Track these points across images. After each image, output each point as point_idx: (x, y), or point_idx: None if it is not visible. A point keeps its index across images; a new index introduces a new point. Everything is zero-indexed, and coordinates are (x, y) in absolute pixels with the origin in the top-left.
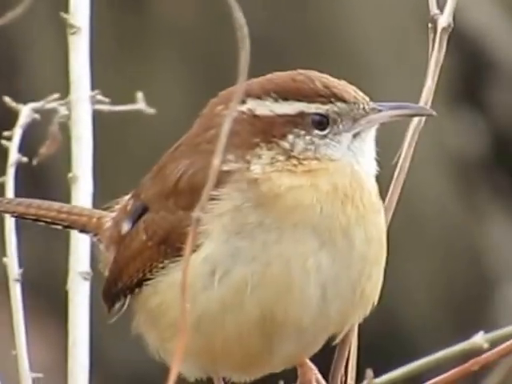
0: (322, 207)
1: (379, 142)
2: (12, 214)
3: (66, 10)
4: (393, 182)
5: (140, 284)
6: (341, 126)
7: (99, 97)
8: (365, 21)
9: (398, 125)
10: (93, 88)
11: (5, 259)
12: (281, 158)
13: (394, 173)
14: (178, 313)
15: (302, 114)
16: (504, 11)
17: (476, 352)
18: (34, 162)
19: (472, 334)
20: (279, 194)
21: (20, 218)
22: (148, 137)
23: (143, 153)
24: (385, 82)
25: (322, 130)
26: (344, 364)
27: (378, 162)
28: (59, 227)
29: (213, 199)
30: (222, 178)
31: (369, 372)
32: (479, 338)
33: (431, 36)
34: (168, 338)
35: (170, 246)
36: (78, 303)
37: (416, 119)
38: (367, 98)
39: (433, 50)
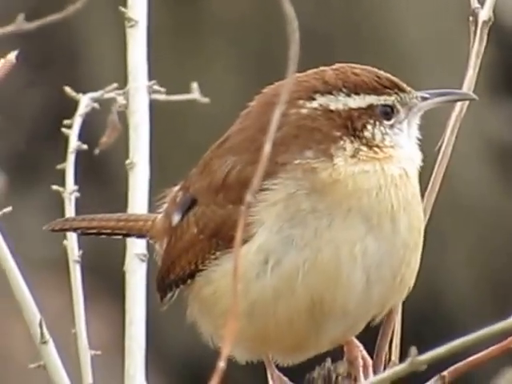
0: (379, 192)
1: (424, 129)
2: (76, 230)
3: (125, 4)
4: (436, 166)
5: (192, 275)
6: (402, 115)
7: (156, 87)
8: (408, 14)
9: (441, 113)
10: (150, 78)
11: (65, 242)
12: (364, 148)
13: (437, 158)
14: (230, 301)
15: (371, 106)
16: None
17: None
18: (96, 152)
19: (510, 311)
20: (338, 180)
21: (84, 234)
22: (203, 125)
23: (198, 141)
24: (427, 73)
25: (389, 119)
26: (388, 342)
27: (422, 149)
28: (119, 236)
29: (266, 189)
30: (276, 169)
31: (413, 349)
32: None
33: (472, 29)
34: (221, 325)
35: (222, 238)
36: (134, 284)
37: (457, 107)
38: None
39: (474, 42)
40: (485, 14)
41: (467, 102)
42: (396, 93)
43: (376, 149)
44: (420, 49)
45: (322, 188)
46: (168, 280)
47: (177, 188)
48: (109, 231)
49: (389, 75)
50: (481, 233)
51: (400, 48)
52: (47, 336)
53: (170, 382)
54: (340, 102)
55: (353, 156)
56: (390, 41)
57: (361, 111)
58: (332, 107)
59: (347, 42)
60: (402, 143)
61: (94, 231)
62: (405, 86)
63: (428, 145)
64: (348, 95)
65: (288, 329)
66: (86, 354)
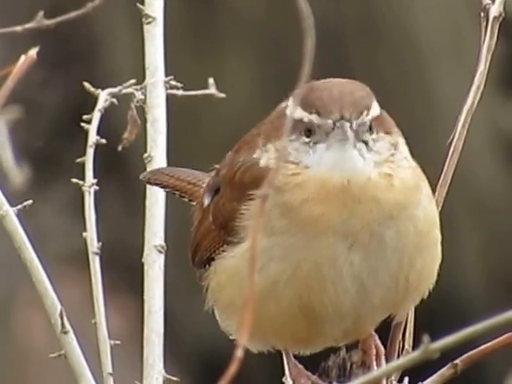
0: (342, 212)
1: (436, 125)
2: (158, 185)
3: (142, 1)
4: (447, 160)
5: (208, 261)
6: (318, 137)
7: (173, 82)
8: (421, 11)
9: (452, 107)
10: (167, 75)
11: (84, 234)
12: (273, 159)
13: (449, 152)
14: (230, 295)
15: (300, 121)
16: None
17: None
18: (119, 148)
19: None
20: (297, 207)
21: (162, 188)
22: (219, 122)
23: (214, 136)
24: (440, 68)
25: (308, 137)
26: (402, 331)
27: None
28: (186, 199)
29: (252, 196)
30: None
31: (426, 337)
32: None
33: (483, 24)
34: (225, 317)
35: (227, 232)
36: (153, 275)
37: (469, 101)
38: (349, 115)
39: (485, 37)
40: (495, 9)
41: (478, 96)
42: (318, 113)
43: (285, 162)
44: (433, 44)
45: (287, 212)
46: (196, 259)
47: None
48: (179, 192)
49: (334, 95)
50: (493, 226)
51: (413, 44)
52: (68, 326)
53: (188, 371)
54: (293, 111)
55: (268, 163)
56: (403, 37)
57: (295, 123)
58: (288, 113)
59: (361, 39)
60: (309, 164)
61: (169, 189)
62: (323, 110)
63: (440, 139)
64: (296, 105)
65: (283, 326)
66: (105, 343)
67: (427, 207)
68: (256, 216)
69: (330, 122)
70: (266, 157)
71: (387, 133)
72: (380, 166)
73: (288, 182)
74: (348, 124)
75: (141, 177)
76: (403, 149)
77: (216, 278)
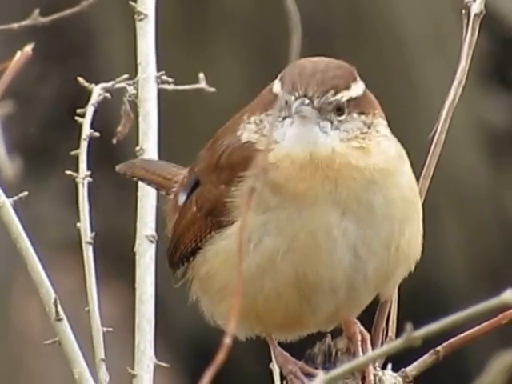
0: (319, 190)
1: (419, 119)
2: (134, 177)
3: None
4: (430, 153)
5: (193, 253)
6: (283, 113)
7: (164, 77)
8: (405, 8)
9: (435, 101)
10: (158, 69)
11: (78, 224)
12: (255, 135)
13: (431, 145)
14: (224, 278)
15: (277, 97)
16: None
17: (506, 307)
18: (114, 141)
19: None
20: (283, 184)
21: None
22: (210, 115)
23: (205, 130)
24: (424, 64)
25: (280, 113)
26: (385, 318)
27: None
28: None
29: (241, 177)
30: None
31: (408, 325)
32: (508, 295)
33: (465, 21)
34: (217, 302)
35: (215, 217)
36: (144, 264)
37: (450, 96)
38: (312, 93)
39: (466, 34)
40: (477, 7)
41: (460, 90)
42: (290, 92)
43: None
44: (416, 41)
45: (276, 188)
46: (175, 257)
47: (187, 169)
48: (156, 186)
49: (306, 73)
50: (476, 216)
51: (398, 41)
52: (62, 314)
53: (179, 357)
54: (275, 86)
55: (250, 137)
56: (388, 34)
57: (275, 98)
58: (273, 90)
59: (347, 37)
60: (278, 138)
61: (147, 182)
62: (301, 88)
63: (422, 132)
64: (278, 81)
65: (277, 304)
66: (98, 330)
67: (411, 177)
68: (245, 196)
69: (293, 98)
70: (248, 130)
71: (363, 113)
72: (348, 142)
73: (270, 159)
74: (307, 101)
75: (117, 169)
76: (381, 129)
77: (206, 265)
